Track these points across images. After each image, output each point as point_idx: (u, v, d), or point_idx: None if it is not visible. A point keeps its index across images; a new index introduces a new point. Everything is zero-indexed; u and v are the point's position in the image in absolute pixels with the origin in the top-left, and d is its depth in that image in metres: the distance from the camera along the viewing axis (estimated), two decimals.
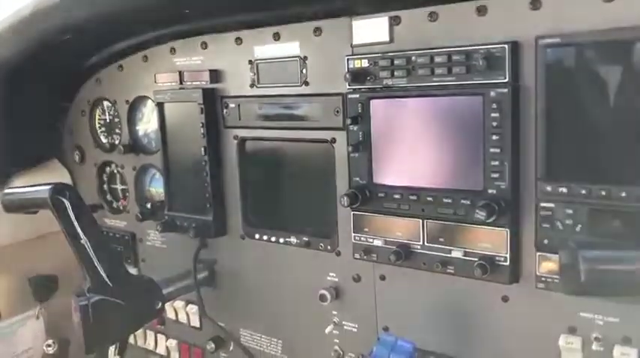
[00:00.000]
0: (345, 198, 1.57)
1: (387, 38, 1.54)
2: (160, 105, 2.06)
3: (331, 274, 1.79)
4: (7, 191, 1.79)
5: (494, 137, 1.37)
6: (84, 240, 1.66)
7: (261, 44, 1.81)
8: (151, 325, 2.31)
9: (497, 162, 1.38)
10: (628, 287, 0.85)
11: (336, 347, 1.82)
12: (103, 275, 1.67)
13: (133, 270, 2.36)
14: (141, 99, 2.22)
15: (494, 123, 1.36)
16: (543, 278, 1.37)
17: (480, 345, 1.54)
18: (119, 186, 2.41)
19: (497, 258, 1.42)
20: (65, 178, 2.50)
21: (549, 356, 1.42)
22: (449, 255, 1.49)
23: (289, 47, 1.75)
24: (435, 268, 1.51)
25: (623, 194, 1.22)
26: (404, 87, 1.50)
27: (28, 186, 1.80)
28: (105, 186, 2.45)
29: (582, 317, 1.36)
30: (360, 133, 1.59)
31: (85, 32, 1.88)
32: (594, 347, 1.35)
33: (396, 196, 1.55)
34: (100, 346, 1.70)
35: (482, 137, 1.39)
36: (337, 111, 1.67)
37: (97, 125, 2.41)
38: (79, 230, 1.65)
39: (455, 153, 1.45)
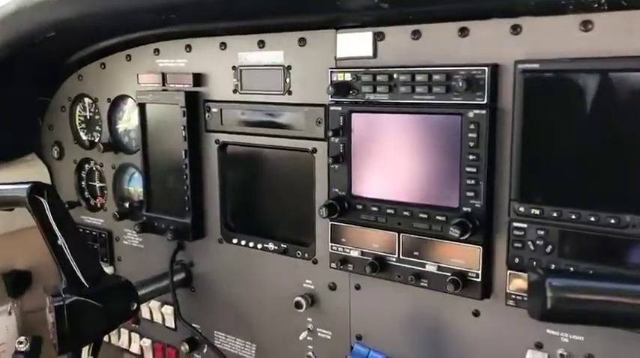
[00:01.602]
0: (324, 209, 1.59)
1: (370, 53, 1.56)
2: (141, 106, 2.06)
3: (307, 281, 1.81)
4: None
5: (471, 157, 1.40)
6: (61, 240, 1.65)
7: (245, 51, 1.82)
8: (125, 324, 2.31)
9: (473, 181, 1.41)
10: (594, 317, 0.89)
11: (310, 353, 1.85)
12: (80, 276, 1.66)
13: (108, 269, 2.36)
14: (122, 98, 2.21)
15: (472, 143, 1.40)
16: (513, 296, 1.41)
17: (450, 357, 1.58)
18: (97, 184, 2.40)
19: (469, 274, 1.46)
20: (43, 173, 2.48)
21: None
22: (423, 269, 1.53)
23: (273, 55, 1.76)
24: (409, 281, 1.54)
25: (592, 219, 1.27)
26: (385, 102, 1.52)
27: (4, 184, 1.78)
28: (83, 183, 2.43)
29: (549, 334, 1.41)
30: (341, 145, 1.61)
31: (69, 30, 1.87)
32: None
33: (374, 209, 1.57)
34: (73, 347, 1.70)
35: (459, 156, 1.42)
36: (319, 122, 1.69)
37: (77, 122, 2.39)
38: (56, 230, 1.64)
39: (432, 170, 1.48)
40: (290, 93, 1.75)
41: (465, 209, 1.43)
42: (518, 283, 1.40)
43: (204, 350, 2.14)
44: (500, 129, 1.39)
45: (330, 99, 1.61)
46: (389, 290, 1.64)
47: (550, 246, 1.33)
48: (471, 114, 1.39)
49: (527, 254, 1.37)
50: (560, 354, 1.39)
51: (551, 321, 0.91)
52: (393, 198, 1.55)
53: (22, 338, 2.11)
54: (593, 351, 1.36)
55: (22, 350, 2.04)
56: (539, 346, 1.43)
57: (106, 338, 2.39)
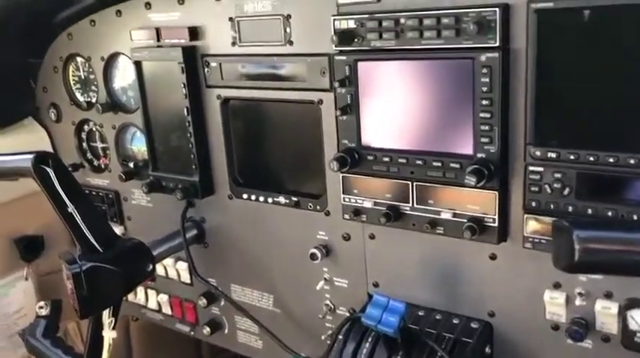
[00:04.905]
0: (335, 162, 1.57)
1: None
2: (137, 64, 1.99)
3: (321, 233, 1.82)
4: None
5: (484, 102, 1.37)
6: (71, 208, 1.63)
7: (242, 0, 1.74)
8: None
9: (487, 127, 1.38)
10: (621, 268, 0.89)
11: (328, 302, 1.88)
12: (93, 241, 1.66)
13: (119, 229, 2.36)
14: (116, 56, 2.14)
15: (484, 88, 1.36)
16: (530, 239, 1.41)
17: (468, 300, 1.60)
18: (99, 144, 2.36)
19: (485, 219, 1.46)
20: (42, 137, 2.43)
21: (535, 311, 1.49)
22: (438, 217, 1.52)
23: (271, 4, 1.69)
24: (425, 229, 1.54)
25: (611, 159, 1.25)
26: (392, 49, 1.47)
27: (6, 154, 1.75)
28: (84, 145, 2.40)
29: (567, 274, 1.42)
30: (348, 96, 1.57)
31: None
32: (577, 302, 1.42)
33: (385, 159, 1.55)
34: (94, 311, 1.72)
35: (472, 101, 1.39)
36: (324, 72, 1.64)
37: (72, 82, 2.33)
38: (65, 198, 1.63)
39: (444, 116, 1.45)
40: (291, 43, 1.69)
41: (479, 155, 1.41)
42: (535, 226, 1.39)
43: (222, 303, 2.18)
44: (513, 72, 1.35)
45: (335, 48, 1.56)
46: (404, 238, 1.64)
47: (567, 189, 1.32)
48: (482, 57, 1.34)
49: (545, 197, 1.36)
50: (579, 293, 1.41)
51: (577, 273, 0.91)
52: (405, 147, 1.52)
53: (42, 303, 2.14)
54: (612, 289, 1.37)
55: (43, 314, 2.06)
56: (557, 286, 1.44)
57: None
